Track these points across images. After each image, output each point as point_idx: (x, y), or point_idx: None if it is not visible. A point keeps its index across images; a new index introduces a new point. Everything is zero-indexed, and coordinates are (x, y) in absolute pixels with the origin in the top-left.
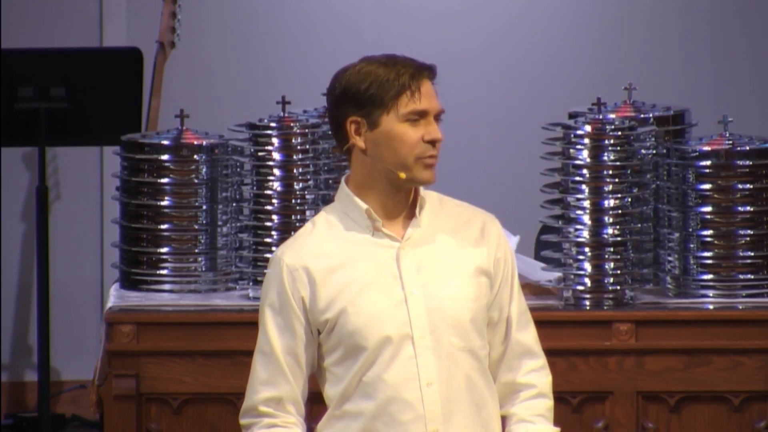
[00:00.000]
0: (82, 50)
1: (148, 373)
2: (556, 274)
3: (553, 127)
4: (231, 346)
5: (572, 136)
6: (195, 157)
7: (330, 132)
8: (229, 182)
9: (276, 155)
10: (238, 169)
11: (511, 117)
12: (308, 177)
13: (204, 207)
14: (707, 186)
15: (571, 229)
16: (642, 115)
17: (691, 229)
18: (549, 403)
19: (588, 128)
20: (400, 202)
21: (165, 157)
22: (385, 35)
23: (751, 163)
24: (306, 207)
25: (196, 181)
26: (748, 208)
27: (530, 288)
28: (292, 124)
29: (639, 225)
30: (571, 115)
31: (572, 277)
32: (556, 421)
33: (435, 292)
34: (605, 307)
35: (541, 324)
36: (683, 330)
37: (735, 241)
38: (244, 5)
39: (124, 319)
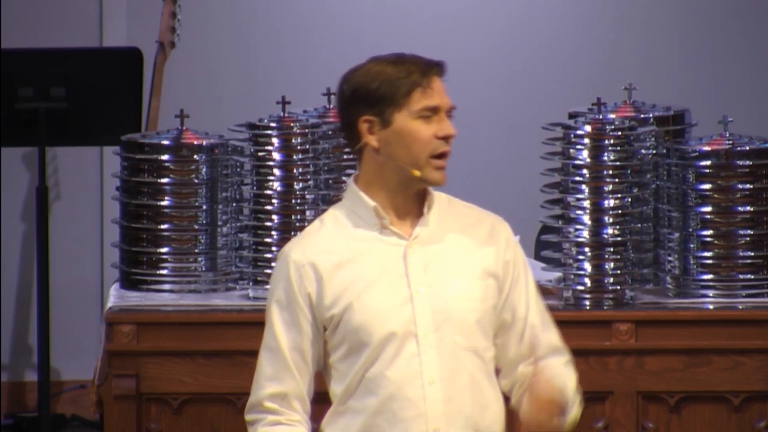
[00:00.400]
0: (82, 50)
1: (148, 373)
2: (556, 274)
3: (553, 127)
4: (231, 346)
5: (572, 136)
6: (195, 157)
7: (330, 132)
8: (229, 182)
9: (276, 155)
10: (238, 169)
11: (511, 117)
12: (308, 177)
13: (204, 207)
14: (707, 186)
15: (571, 229)
16: (642, 115)
17: (691, 229)
18: (571, 383)
19: (588, 128)
20: (409, 201)
21: (165, 157)
22: (385, 35)
23: (751, 163)
24: (306, 207)
25: (196, 181)
26: (748, 208)
27: None
28: (292, 124)
29: (639, 225)
30: (571, 115)
31: (572, 277)
32: None
33: (441, 291)
34: (605, 307)
35: None
36: (683, 330)
37: (735, 241)
38: (244, 5)
39: (124, 319)
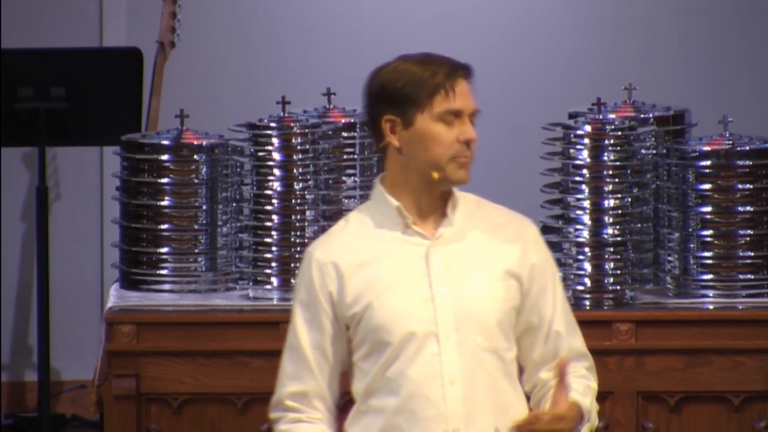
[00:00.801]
0: (82, 50)
1: (148, 373)
2: None
3: (553, 127)
4: (231, 346)
5: (572, 136)
6: (195, 157)
7: (330, 132)
8: (229, 182)
9: (276, 155)
10: (238, 169)
11: (511, 117)
12: (308, 177)
13: (204, 207)
14: (707, 186)
15: (571, 229)
16: (642, 115)
17: (691, 229)
18: (593, 384)
19: (588, 128)
20: (433, 201)
21: (165, 157)
22: (385, 35)
23: (751, 163)
24: (306, 207)
25: (196, 181)
26: (748, 208)
27: None
28: (292, 124)
29: (639, 225)
30: (571, 115)
31: (572, 277)
32: None
33: (462, 291)
34: (605, 307)
35: None
36: (683, 330)
37: (735, 241)
38: (244, 5)
39: (124, 319)
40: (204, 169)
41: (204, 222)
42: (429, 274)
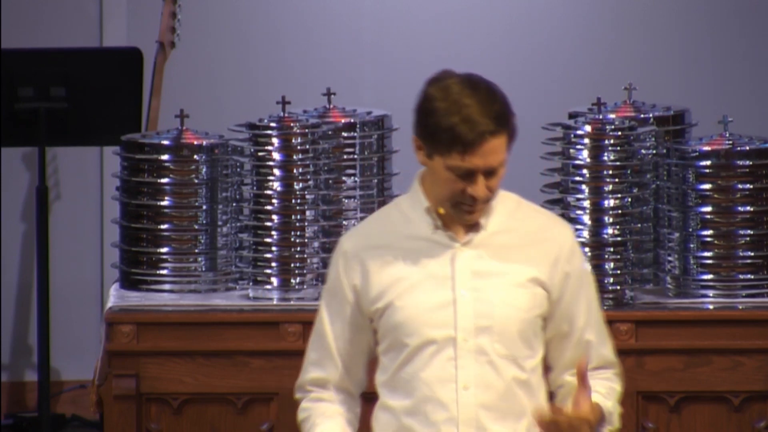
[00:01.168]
0: (82, 50)
1: (148, 373)
2: None
3: (553, 127)
4: (231, 346)
5: (572, 136)
6: (195, 157)
7: (330, 132)
8: (229, 182)
9: (276, 155)
10: (238, 169)
11: None
12: (308, 177)
13: (204, 207)
14: (707, 186)
15: None
16: (642, 115)
17: (691, 229)
18: (617, 387)
19: (588, 128)
20: None
21: (165, 157)
22: (385, 35)
23: (751, 163)
24: (306, 207)
25: (196, 181)
26: (748, 208)
27: None
28: (292, 124)
29: (639, 225)
30: (571, 115)
31: None
32: None
33: (485, 296)
34: (605, 307)
35: None
36: (683, 330)
37: (735, 241)
38: (244, 5)
39: (124, 319)
40: (204, 169)
41: (204, 222)
42: (453, 277)
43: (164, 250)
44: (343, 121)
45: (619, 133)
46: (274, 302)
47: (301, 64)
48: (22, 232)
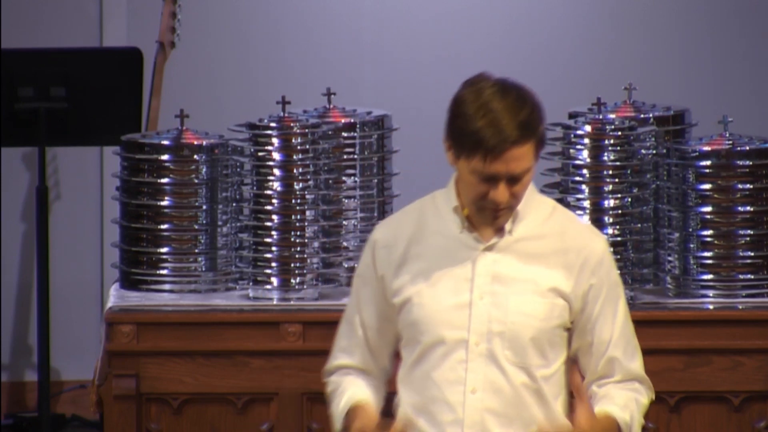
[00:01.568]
0: (82, 50)
1: (148, 373)
2: None
3: (553, 127)
4: (231, 346)
5: (572, 136)
6: (195, 157)
7: (330, 132)
8: (229, 182)
9: (276, 155)
10: (238, 169)
11: None
12: (308, 177)
13: (204, 207)
14: (707, 186)
15: None
16: (642, 115)
17: (691, 229)
18: (642, 399)
19: (588, 128)
20: None
21: (165, 157)
22: (385, 35)
23: (751, 163)
24: (306, 207)
25: (196, 181)
26: (748, 208)
27: None
28: (292, 124)
29: (639, 225)
30: (571, 115)
31: None
32: None
33: (502, 302)
34: None
35: None
36: (683, 330)
37: (735, 241)
38: (244, 5)
39: (124, 319)
40: (204, 169)
41: (204, 222)
42: (473, 279)
43: (164, 250)
44: (343, 121)
45: (619, 133)
46: (274, 302)
47: (301, 64)
48: (22, 232)
